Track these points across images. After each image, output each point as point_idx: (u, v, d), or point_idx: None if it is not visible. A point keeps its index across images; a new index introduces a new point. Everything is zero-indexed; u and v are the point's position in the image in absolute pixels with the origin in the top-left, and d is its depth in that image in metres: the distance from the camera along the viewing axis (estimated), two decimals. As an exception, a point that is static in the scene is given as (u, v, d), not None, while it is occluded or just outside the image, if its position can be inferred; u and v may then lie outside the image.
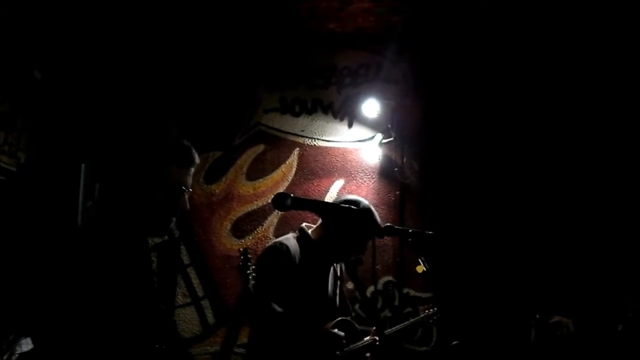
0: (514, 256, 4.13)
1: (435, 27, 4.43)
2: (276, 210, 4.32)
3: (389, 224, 2.77)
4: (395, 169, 4.49)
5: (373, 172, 4.54)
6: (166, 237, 1.74)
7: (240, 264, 3.61)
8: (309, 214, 3.86)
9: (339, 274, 2.93)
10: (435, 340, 4.29)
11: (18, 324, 3.21)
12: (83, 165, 4.07)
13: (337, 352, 2.65)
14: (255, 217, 4.56)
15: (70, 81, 4.54)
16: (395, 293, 4.40)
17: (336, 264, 2.88)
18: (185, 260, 4.52)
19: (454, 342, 2.84)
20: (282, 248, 2.65)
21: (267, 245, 2.87)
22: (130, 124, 4.44)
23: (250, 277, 3.50)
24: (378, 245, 4.34)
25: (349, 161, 4.58)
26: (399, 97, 4.58)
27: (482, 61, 4.46)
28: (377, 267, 4.39)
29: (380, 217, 2.84)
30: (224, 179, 4.59)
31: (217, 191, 4.56)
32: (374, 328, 2.92)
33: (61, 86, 4.51)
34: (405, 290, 4.39)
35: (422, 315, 3.27)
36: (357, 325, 2.88)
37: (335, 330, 2.66)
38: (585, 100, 4.24)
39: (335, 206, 2.28)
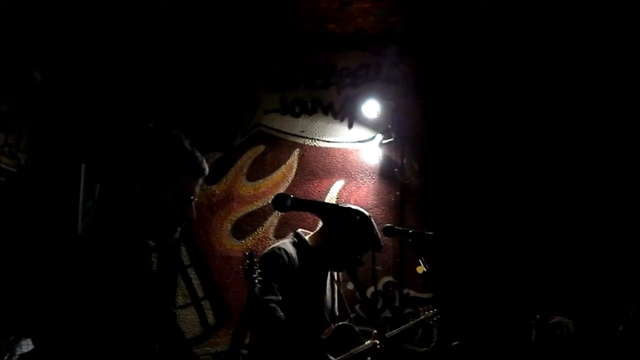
0: (514, 257, 4.13)
1: (435, 27, 4.43)
2: (276, 211, 4.31)
3: (389, 224, 2.77)
4: (396, 170, 4.49)
5: (373, 172, 4.54)
6: (152, 243, 1.73)
7: (246, 267, 3.59)
8: (309, 215, 3.87)
9: (336, 278, 2.92)
10: (436, 341, 4.29)
11: (18, 325, 3.21)
12: (83, 166, 4.07)
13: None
14: (256, 218, 4.56)
15: (70, 82, 4.54)
16: (395, 293, 4.40)
17: (333, 268, 2.87)
18: (186, 260, 4.52)
19: (454, 343, 2.84)
20: (281, 254, 2.65)
21: (265, 248, 2.86)
22: (141, 128, 4.44)
23: (256, 281, 3.48)
24: (379, 248, 4.34)
25: (349, 162, 4.58)
26: (399, 98, 4.58)
27: (482, 61, 4.46)
28: (378, 267, 4.38)
29: (380, 217, 2.84)
30: (224, 180, 4.59)
31: (217, 192, 4.56)
32: (375, 331, 2.91)
33: (61, 87, 4.51)
34: (405, 291, 4.39)
35: (422, 317, 3.27)
36: (356, 329, 2.87)
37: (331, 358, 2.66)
38: (585, 101, 4.24)
39: (335, 207, 2.27)
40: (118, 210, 1.65)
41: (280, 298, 2.55)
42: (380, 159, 4.51)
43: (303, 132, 4.66)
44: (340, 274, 2.96)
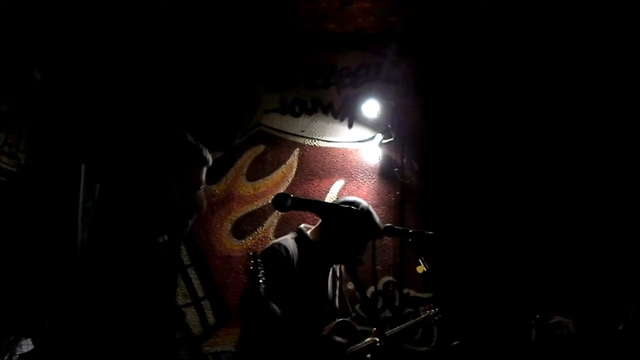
0: (514, 256, 4.13)
1: (435, 27, 4.43)
2: (276, 211, 4.32)
3: (389, 224, 2.77)
4: (396, 169, 4.49)
5: (373, 172, 4.54)
6: (166, 237, 1.75)
7: (251, 267, 3.58)
8: (309, 215, 3.87)
9: (338, 274, 2.92)
10: (436, 341, 4.29)
11: (18, 325, 3.21)
12: (83, 166, 4.07)
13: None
14: (256, 218, 4.56)
15: (70, 82, 4.54)
16: (395, 293, 4.39)
17: (335, 265, 2.87)
18: (186, 260, 4.52)
19: (455, 343, 2.84)
20: (281, 250, 2.64)
21: (266, 246, 2.86)
22: (143, 126, 4.44)
23: (260, 282, 3.46)
24: (378, 246, 4.34)
25: (349, 161, 4.58)
26: (399, 98, 4.58)
27: (483, 61, 4.46)
28: (378, 267, 4.38)
29: (380, 217, 2.84)
30: (224, 180, 4.59)
31: (217, 192, 4.56)
32: (375, 329, 2.92)
33: (61, 87, 4.51)
34: (405, 291, 4.39)
35: (423, 316, 3.27)
36: (357, 326, 2.88)
37: (338, 339, 2.66)
38: (585, 101, 4.24)
39: (335, 206, 2.27)
40: (129, 209, 1.65)
41: (275, 294, 2.54)
42: (380, 158, 4.51)
43: (303, 131, 4.66)
44: (342, 271, 2.96)
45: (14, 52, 4.20)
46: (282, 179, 4.61)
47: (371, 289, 4.38)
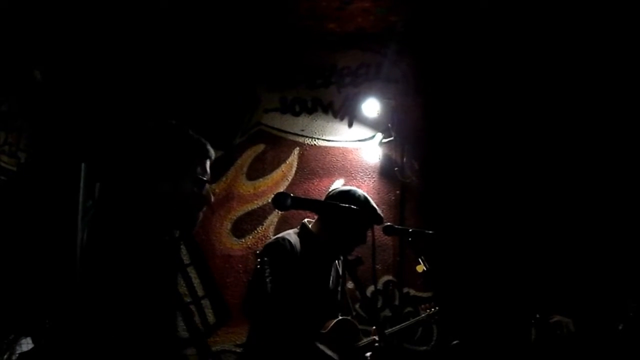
0: (514, 255, 4.13)
1: (435, 26, 4.43)
2: (276, 210, 4.32)
3: (389, 223, 2.77)
4: (396, 169, 4.49)
5: (373, 171, 4.54)
6: (177, 233, 1.77)
7: (258, 266, 3.57)
8: (309, 214, 3.86)
9: (340, 271, 2.92)
10: (436, 340, 4.29)
11: (18, 324, 3.21)
12: (83, 165, 4.07)
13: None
14: (256, 217, 4.56)
15: (70, 81, 4.54)
16: (395, 292, 4.40)
17: (338, 258, 2.87)
18: (186, 259, 4.52)
19: (454, 342, 2.84)
20: (285, 243, 2.64)
21: (268, 241, 2.86)
22: (142, 126, 4.44)
23: (268, 280, 3.44)
24: (378, 245, 4.34)
25: (349, 161, 4.58)
26: (399, 97, 4.58)
27: (483, 60, 4.46)
28: (377, 266, 4.38)
29: (380, 211, 2.83)
30: (224, 179, 4.59)
31: (217, 191, 4.56)
32: (374, 328, 2.92)
33: (61, 86, 4.51)
34: (405, 290, 4.39)
35: (423, 315, 3.26)
36: (358, 325, 2.87)
37: (329, 353, 2.66)
38: (585, 100, 4.24)
39: (335, 206, 2.27)
40: (142, 207, 1.66)
41: (278, 288, 2.54)
42: (380, 158, 4.51)
43: (303, 131, 4.66)
44: (344, 270, 2.96)
45: (14, 52, 4.20)
46: (282, 178, 4.61)
47: (371, 288, 4.37)
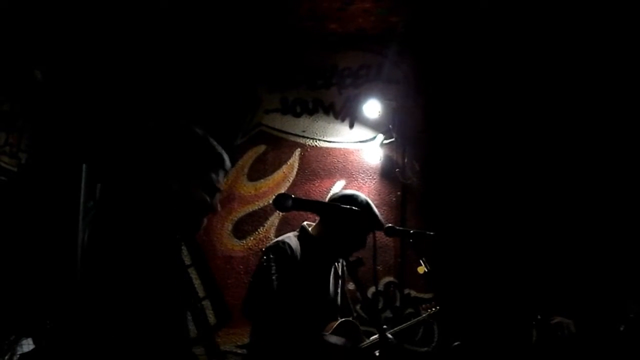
0: (515, 257, 4.13)
1: (436, 27, 4.43)
2: (277, 211, 4.31)
3: (390, 224, 2.76)
4: (397, 170, 4.48)
5: (374, 172, 4.54)
6: (178, 235, 1.80)
7: (259, 268, 3.56)
8: (310, 215, 3.86)
9: (340, 273, 2.92)
10: (437, 341, 4.28)
11: (19, 325, 3.21)
12: (84, 166, 4.07)
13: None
14: (257, 218, 4.56)
15: (71, 81, 4.54)
16: (396, 294, 4.39)
17: (337, 261, 2.87)
18: (187, 260, 4.51)
19: (456, 343, 2.84)
20: (284, 247, 2.64)
21: (269, 243, 2.85)
22: (142, 127, 4.45)
23: (269, 281, 3.44)
24: (379, 246, 4.34)
25: (350, 162, 4.58)
26: (400, 98, 4.57)
27: (484, 61, 4.46)
28: (379, 267, 4.38)
29: (381, 217, 2.83)
30: (225, 180, 4.58)
31: (218, 191, 4.55)
32: (378, 328, 2.91)
33: (62, 86, 4.51)
34: (406, 291, 4.38)
35: (424, 315, 3.26)
36: (359, 326, 2.87)
37: (334, 339, 2.65)
38: (585, 101, 4.24)
39: (336, 207, 2.26)
40: (152, 208, 1.67)
41: (278, 291, 2.53)
42: (382, 159, 4.51)
43: (304, 132, 4.66)
44: (344, 272, 2.95)
45: (15, 52, 4.20)
46: (283, 179, 4.61)
47: (372, 290, 4.37)
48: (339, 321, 2.76)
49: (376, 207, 4.14)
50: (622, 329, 3.33)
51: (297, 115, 4.69)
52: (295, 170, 4.61)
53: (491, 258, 4.17)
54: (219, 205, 1.78)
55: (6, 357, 3.08)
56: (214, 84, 4.67)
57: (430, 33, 4.50)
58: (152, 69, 4.62)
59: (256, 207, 4.57)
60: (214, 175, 1.75)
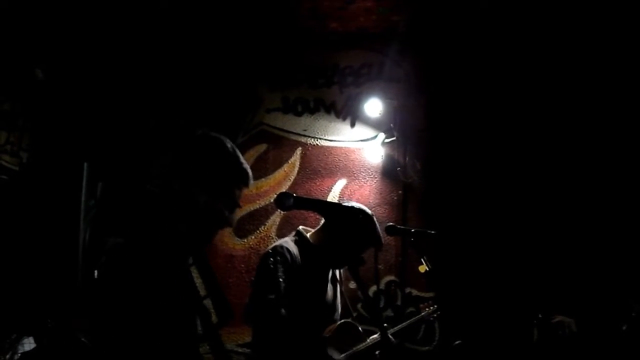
0: (516, 256, 4.13)
1: (437, 26, 4.42)
2: (278, 210, 4.31)
3: (391, 223, 2.76)
4: (398, 169, 4.48)
5: (375, 171, 4.54)
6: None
7: (271, 266, 3.55)
8: (311, 214, 3.86)
9: (338, 277, 2.91)
10: (438, 340, 4.28)
11: (20, 324, 3.22)
12: (85, 165, 4.08)
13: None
14: (258, 217, 4.56)
15: (71, 80, 4.54)
16: (397, 292, 4.39)
17: (334, 269, 2.86)
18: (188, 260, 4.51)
19: (457, 342, 2.83)
20: (283, 252, 2.63)
21: (267, 247, 2.85)
22: (143, 126, 4.48)
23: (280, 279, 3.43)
24: (380, 245, 4.33)
25: (352, 161, 4.57)
26: (401, 97, 4.57)
27: (485, 60, 4.45)
28: (380, 266, 4.38)
29: (382, 216, 2.83)
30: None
31: (219, 191, 4.55)
32: (379, 327, 2.91)
33: (63, 85, 4.52)
34: (407, 290, 4.38)
35: (423, 313, 3.26)
36: (359, 326, 2.87)
37: (331, 353, 2.65)
38: (586, 100, 4.23)
39: (338, 205, 2.27)
40: (178, 217, 1.71)
41: (278, 295, 2.53)
42: (383, 157, 4.51)
43: (305, 130, 4.66)
44: (342, 272, 2.95)
45: (16, 51, 4.20)
46: (284, 178, 4.61)
47: (373, 288, 4.37)
48: (338, 323, 2.76)
49: (377, 206, 4.17)
50: (624, 328, 3.32)
51: (299, 114, 4.69)
52: (296, 169, 4.61)
53: (492, 257, 4.17)
54: (235, 221, 1.81)
55: (7, 356, 3.09)
56: (215, 83, 4.67)
57: (432, 32, 4.49)
58: (152, 69, 4.62)
59: (257, 206, 4.57)
60: (237, 192, 1.79)
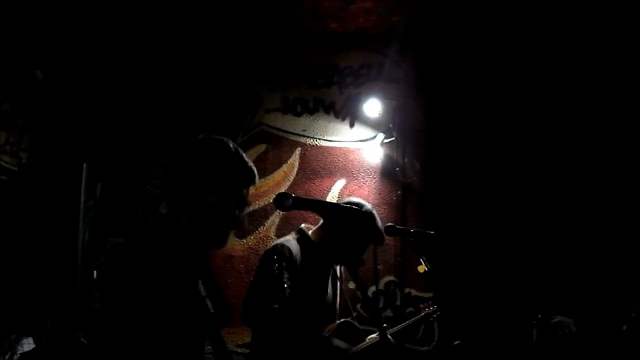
0: (515, 256, 4.13)
1: (437, 26, 4.42)
2: (278, 210, 4.31)
3: (390, 223, 2.76)
4: (397, 169, 4.48)
5: (375, 171, 4.54)
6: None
7: (276, 271, 3.55)
8: (310, 214, 3.86)
9: (338, 275, 2.91)
10: (437, 340, 4.28)
11: (20, 324, 3.21)
12: (84, 165, 4.07)
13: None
14: (257, 217, 4.56)
15: (71, 81, 4.54)
16: (396, 293, 4.39)
17: (336, 266, 2.86)
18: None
19: (456, 342, 2.83)
20: (284, 250, 2.63)
21: (268, 246, 2.85)
22: (143, 126, 4.48)
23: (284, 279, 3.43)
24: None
25: (351, 161, 4.57)
26: (400, 97, 4.57)
27: (484, 60, 4.45)
28: (379, 266, 4.38)
29: (381, 217, 2.82)
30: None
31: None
32: (379, 327, 2.91)
33: (62, 86, 4.52)
34: (406, 290, 4.38)
35: (422, 314, 3.26)
36: (359, 326, 2.87)
37: (337, 342, 2.65)
38: (585, 100, 4.24)
39: (337, 206, 2.26)
40: (187, 221, 1.72)
41: (278, 294, 2.52)
42: (382, 158, 4.51)
43: (305, 131, 4.66)
44: (343, 271, 2.95)
45: (15, 52, 4.20)
46: (283, 178, 4.61)
47: (372, 289, 4.37)
48: (337, 322, 2.76)
49: (376, 206, 4.16)
50: (624, 328, 3.32)
51: (298, 114, 4.69)
52: (295, 169, 4.61)
53: (491, 257, 4.17)
54: (246, 221, 1.81)
55: (7, 356, 3.09)
56: (215, 83, 4.67)
57: (431, 32, 4.49)
58: (152, 69, 4.62)
59: (256, 207, 4.57)
60: (245, 191, 1.80)
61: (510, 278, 4.11)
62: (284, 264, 2.58)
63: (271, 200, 4.26)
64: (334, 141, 4.63)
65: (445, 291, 4.03)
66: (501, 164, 4.31)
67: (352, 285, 3.53)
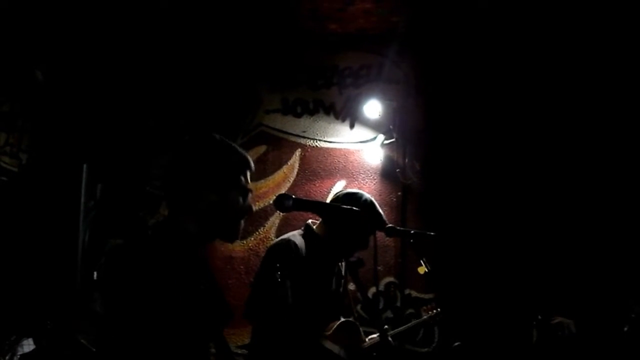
0: (515, 257, 4.13)
1: (437, 27, 4.43)
2: (278, 211, 4.31)
3: (391, 225, 2.76)
4: (397, 170, 4.48)
5: (375, 173, 4.54)
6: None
7: (266, 270, 3.54)
8: (310, 215, 3.86)
9: (343, 273, 2.91)
10: (437, 342, 4.28)
11: (20, 325, 3.21)
12: (85, 166, 4.07)
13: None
14: (257, 218, 4.56)
15: (71, 81, 4.54)
16: (397, 294, 4.39)
17: (340, 260, 2.86)
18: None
19: (456, 344, 2.83)
20: (289, 245, 2.63)
21: (270, 243, 2.85)
22: (143, 127, 4.48)
23: (281, 287, 3.42)
24: (380, 246, 4.32)
25: (351, 162, 4.57)
26: (400, 98, 4.57)
27: (484, 61, 4.45)
28: (379, 268, 4.38)
29: (384, 216, 2.82)
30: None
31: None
32: (379, 329, 2.90)
33: (62, 87, 4.51)
34: (407, 291, 4.38)
35: (425, 317, 3.26)
36: (359, 326, 2.87)
37: (329, 346, 2.65)
38: (585, 100, 4.23)
39: (337, 208, 2.26)
40: (191, 218, 1.71)
41: (282, 290, 2.52)
42: (382, 159, 4.51)
43: (304, 132, 4.66)
44: (346, 272, 2.95)
45: (15, 52, 4.20)
46: (283, 179, 4.61)
47: (372, 290, 4.37)
48: (339, 321, 2.75)
49: (377, 207, 4.11)
50: (625, 329, 3.32)
51: (298, 115, 4.69)
52: (295, 170, 4.61)
53: (492, 258, 4.17)
54: (253, 206, 1.80)
55: (7, 357, 3.08)
56: (215, 84, 4.67)
57: (431, 33, 4.49)
58: (152, 69, 4.62)
59: (257, 208, 4.56)
60: (243, 178, 1.78)
61: (510, 279, 4.11)
62: (287, 260, 2.57)
63: (271, 202, 4.27)
64: (334, 142, 4.63)
65: (446, 292, 4.03)
66: (501, 165, 4.30)
67: (352, 286, 3.53)
